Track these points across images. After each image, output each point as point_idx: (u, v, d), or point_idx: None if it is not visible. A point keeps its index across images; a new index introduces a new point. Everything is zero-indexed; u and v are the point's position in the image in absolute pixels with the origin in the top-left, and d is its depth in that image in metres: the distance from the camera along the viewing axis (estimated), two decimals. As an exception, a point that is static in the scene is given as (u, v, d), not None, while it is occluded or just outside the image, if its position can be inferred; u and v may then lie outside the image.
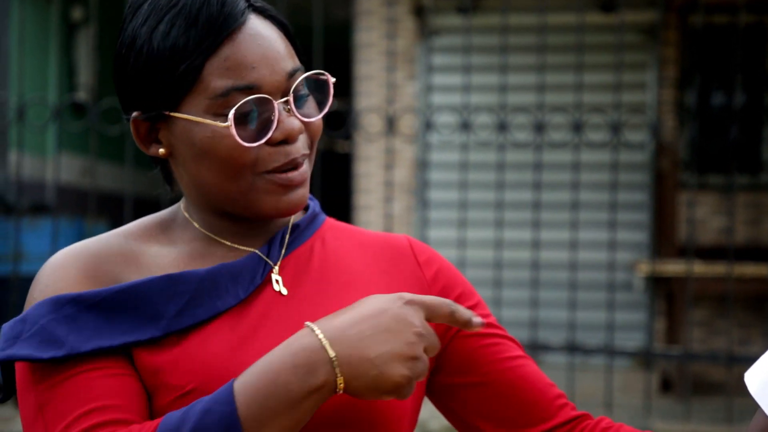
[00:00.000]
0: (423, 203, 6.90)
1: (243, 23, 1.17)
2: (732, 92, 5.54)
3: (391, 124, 5.21)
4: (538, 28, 5.10)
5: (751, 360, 4.91)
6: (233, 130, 1.14)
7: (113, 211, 6.90)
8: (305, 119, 1.20)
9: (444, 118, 6.18)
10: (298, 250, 1.26)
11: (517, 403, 1.27)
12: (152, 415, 1.16)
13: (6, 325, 1.15)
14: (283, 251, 1.25)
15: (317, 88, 1.22)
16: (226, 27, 1.15)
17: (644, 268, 6.37)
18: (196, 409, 1.05)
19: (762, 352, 1.15)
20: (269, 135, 1.16)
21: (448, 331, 1.27)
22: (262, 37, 1.18)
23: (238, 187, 1.18)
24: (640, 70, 6.92)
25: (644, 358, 5.85)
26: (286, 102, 1.17)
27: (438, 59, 6.90)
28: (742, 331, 6.67)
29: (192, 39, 1.15)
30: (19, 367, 1.16)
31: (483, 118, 5.52)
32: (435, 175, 6.95)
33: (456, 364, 1.28)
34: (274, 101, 1.16)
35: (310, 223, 1.30)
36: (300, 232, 1.28)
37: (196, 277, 1.18)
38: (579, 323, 5.82)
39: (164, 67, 1.15)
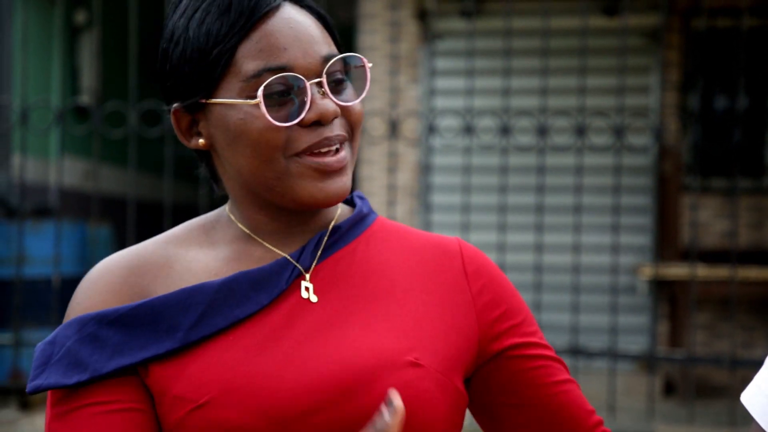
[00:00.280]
0: (426, 207, 6.90)
1: (276, 8, 1.17)
2: (735, 96, 5.54)
3: (394, 128, 5.21)
4: (542, 31, 5.10)
5: (754, 363, 4.91)
6: (263, 108, 1.14)
7: (116, 214, 6.90)
8: (341, 103, 1.18)
9: (447, 122, 6.18)
10: (337, 253, 1.23)
11: (556, 428, 1.25)
12: (167, 430, 1.16)
13: (38, 347, 1.18)
14: (318, 254, 1.23)
15: (355, 75, 1.22)
16: (258, 10, 1.16)
17: (647, 272, 6.36)
18: None
19: (765, 355, 1.14)
20: (302, 116, 1.15)
21: (496, 352, 1.24)
22: (296, 21, 1.18)
23: (273, 172, 1.16)
24: (643, 74, 6.91)
25: (647, 362, 5.85)
26: (320, 84, 1.16)
27: (441, 63, 6.90)
28: (746, 335, 6.66)
29: (225, 24, 1.16)
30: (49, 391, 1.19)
31: (486, 122, 5.52)
32: (438, 179, 6.95)
33: (501, 384, 1.25)
34: (306, 81, 1.15)
35: (355, 225, 1.26)
36: (341, 234, 1.25)
37: (211, 287, 1.17)
38: (582, 326, 5.82)
39: (199, 53, 1.16)
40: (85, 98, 7.28)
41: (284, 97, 1.15)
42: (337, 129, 1.18)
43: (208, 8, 1.17)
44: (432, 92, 6.95)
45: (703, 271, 5.77)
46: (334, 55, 1.18)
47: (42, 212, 6.37)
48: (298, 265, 1.20)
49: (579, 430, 1.26)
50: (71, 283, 6.45)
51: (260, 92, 1.14)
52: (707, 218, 6.90)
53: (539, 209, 5.13)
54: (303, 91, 1.15)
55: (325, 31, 1.21)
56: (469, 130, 5.01)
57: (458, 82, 6.65)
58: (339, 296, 1.20)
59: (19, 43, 5.24)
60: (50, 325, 5.29)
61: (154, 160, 6.95)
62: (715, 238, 6.87)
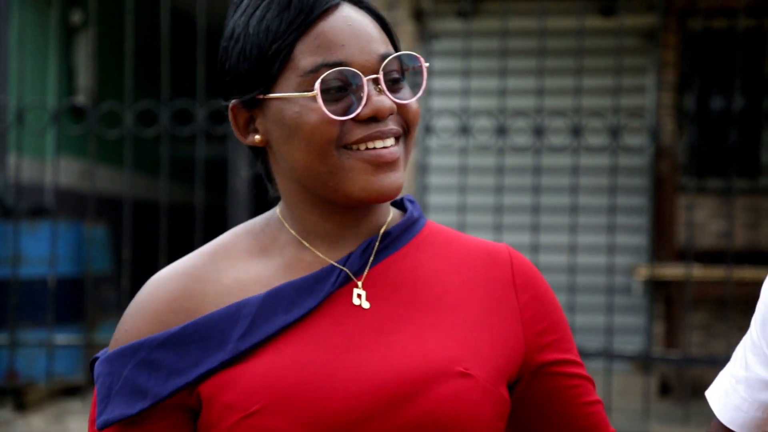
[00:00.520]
0: (422, 207, 6.90)
1: (335, 6, 1.19)
2: (731, 96, 5.54)
3: (390, 128, 5.20)
4: (538, 32, 5.11)
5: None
6: (319, 100, 1.15)
7: (112, 214, 6.89)
8: (397, 100, 1.19)
9: (443, 122, 6.18)
10: (388, 259, 1.24)
11: None
12: None
13: (98, 381, 1.20)
14: (370, 260, 1.23)
15: (412, 74, 1.23)
16: (317, 8, 1.18)
17: (643, 272, 6.37)
18: None
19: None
20: (357, 111, 1.16)
21: (537, 366, 1.25)
22: (354, 20, 1.19)
23: (326, 166, 1.17)
24: (639, 74, 6.92)
25: (643, 362, 5.85)
26: (377, 81, 1.18)
27: (437, 63, 6.91)
28: (741, 335, 6.65)
29: (284, 21, 1.17)
30: None
31: (482, 122, 5.52)
32: (434, 179, 6.96)
33: (535, 397, 1.27)
34: (363, 77, 1.17)
35: (406, 230, 1.27)
36: (391, 240, 1.25)
37: (257, 299, 1.18)
38: (578, 327, 5.82)
39: (258, 49, 1.18)
40: (81, 98, 7.28)
41: (341, 92, 1.17)
42: (390, 125, 1.19)
43: (268, 6, 1.18)
44: (428, 92, 6.95)
45: (699, 272, 5.78)
46: (391, 54, 1.20)
47: (38, 212, 6.37)
48: (344, 269, 1.21)
49: None
50: (67, 284, 6.47)
51: (317, 85, 1.15)
52: (703, 218, 6.90)
53: (535, 210, 5.13)
54: (360, 86, 1.17)
55: (382, 32, 1.22)
56: (465, 130, 5.01)
57: (454, 83, 6.65)
58: (390, 303, 1.21)
59: (16, 44, 5.24)
60: (46, 325, 5.29)
61: (150, 160, 6.95)
62: (711, 239, 6.87)
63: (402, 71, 1.22)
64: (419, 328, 1.19)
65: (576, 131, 4.97)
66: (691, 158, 6.73)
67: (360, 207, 1.22)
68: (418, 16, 6.94)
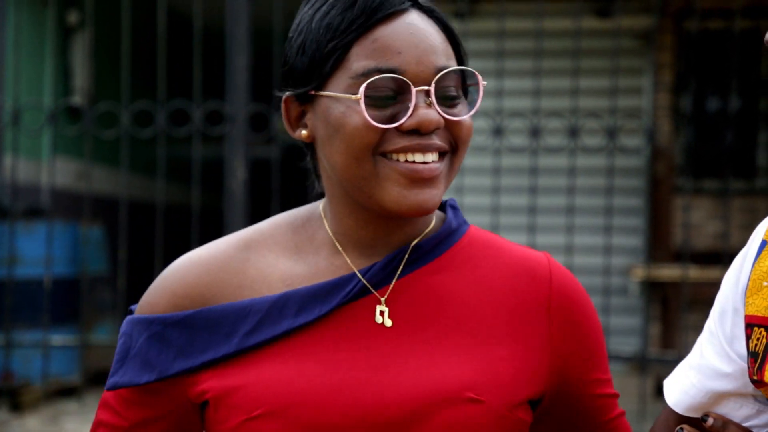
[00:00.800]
0: (419, 208, 6.91)
1: (401, 12, 1.16)
2: (727, 97, 5.55)
3: (386, 129, 5.20)
4: (535, 33, 5.11)
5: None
6: (362, 104, 1.13)
7: (108, 215, 6.89)
8: (447, 116, 1.15)
9: (440, 123, 6.18)
10: (416, 273, 1.21)
11: None
12: None
13: (119, 342, 1.24)
14: (398, 273, 1.20)
15: (470, 90, 1.21)
16: (381, 11, 1.15)
17: (639, 273, 6.37)
18: None
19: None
20: (401, 121, 1.13)
21: (568, 383, 1.24)
22: (417, 28, 1.16)
23: (362, 171, 1.15)
24: (635, 75, 6.92)
25: (639, 363, 5.85)
26: (428, 93, 1.14)
27: (434, 64, 6.91)
28: (738, 336, 6.67)
29: (346, 19, 1.15)
30: None
31: (479, 123, 5.51)
32: (431, 180, 6.96)
33: (560, 414, 1.25)
34: (412, 87, 1.13)
35: (440, 243, 1.23)
36: (422, 253, 1.22)
37: (271, 298, 1.18)
38: (574, 328, 5.82)
39: (316, 44, 1.17)
40: (78, 99, 7.27)
41: (389, 100, 1.14)
42: (435, 139, 1.15)
43: (335, 2, 1.17)
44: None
45: (695, 273, 5.78)
46: (450, 68, 1.16)
47: (34, 213, 6.36)
48: (363, 280, 1.19)
49: None
50: (63, 284, 6.45)
51: (362, 89, 1.13)
52: (699, 220, 6.91)
53: (532, 210, 5.13)
54: (408, 96, 1.14)
55: (447, 44, 1.19)
56: (461, 131, 5.01)
57: (451, 84, 6.65)
58: (411, 322, 1.18)
59: (12, 44, 5.23)
60: (42, 326, 5.28)
61: (147, 160, 6.95)
62: (708, 240, 6.88)
63: (464, 87, 1.19)
64: (436, 350, 1.17)
65: (573, 132, 4.97)
66: (687, 159, 6.74)
67: (393, 218, 1.19)
68: (415, 16, 6.94)
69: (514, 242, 1.29)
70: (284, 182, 4.97)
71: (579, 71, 5.11)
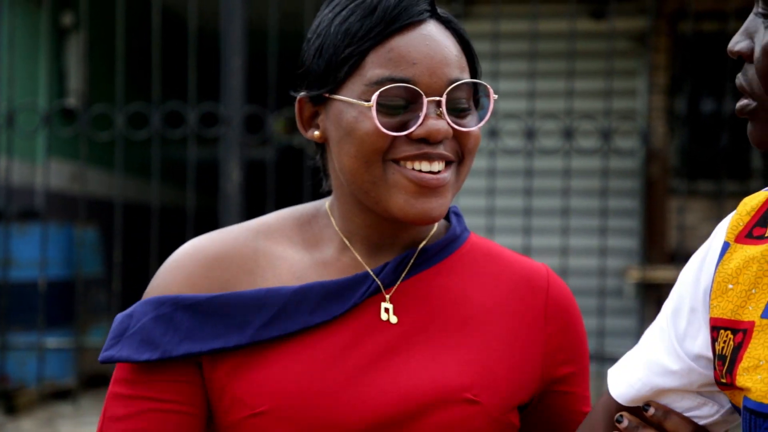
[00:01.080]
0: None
1: (418, 22, 1.18)
2: (722, 99, 5.55)
3: (381, 131, 5.20)
4: (530, 35, 5.11)
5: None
6: (374, 111, 1.15)
7: (103, 217, 6.87)
8: (456, 126, 1.18)
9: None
10: (421, 274, 1.24)
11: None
12: (221, 427, 1.19)
13: (117, 317, 1.21)
14: (404, 275, 1.23)
15: (481, 102, 1.23)
16: (399, 21, 1.17)
17: (635, 275, 6.37)
18: None
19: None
20: (410, 129, 1.16)
21: (553, 389, 1.28)
22: (433, 40, 1.18)
23: (371, 176, 1.17)
24: (630, 77, 6.93)
25: (635, 365, 5.86)
26: (439, 104, 1.17)
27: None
28: (732, 338, 6.68)
29: (364, 27, 1.17)
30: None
31: (474, 125, 5.52)
32: (426, 182, 6.96)
33: (539, 413, 1.29)
34: (424, 97, 1.16)
35: (445, 247, 1.26)
36: (427, 256, 1.25)
37: (287, 291, 1.19)
38: (570, 330, 5.82)
39: (333, 49, 1.18)
40: (72, 100, 7.26)
41: (400, 109, 1.16)
42: (442, 149, 1.18)
43: (355, 8, 1.19)
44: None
45: (690, 274, 5.78)
46: (462, 80, 1.18)
47: (28, 215, 6.35)
48: (377, 279, 1.21)
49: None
50: (58, 287, 6.44)
51: (375, 96, 1.15)
52: (694, 221, 6.92)
53: (527, 212, 5.14)
54: (419, 106, 1.16)
55: (462, 56, 1.21)
56: (457, 133, 5.01)
57: (446, 85, 6.65)
58: (414, 320, 1.21)
59: (6, 46, 5.22)
60: (36, 328, 5.27)
61: (141, 162, 6.94)
62: (702, 241, 6.88)
63: (475, 100, 1.22)
64: (437, 349, 1.20)
65: (567, 134, 4.97)
66: (682, 161, 6.75)
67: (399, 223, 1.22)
68: (410, 18, 6.94)
69: (512, 251, 1.33)
70: (279, 184, 4.96)
71: (574, 73, 5.12)
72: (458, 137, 1.19)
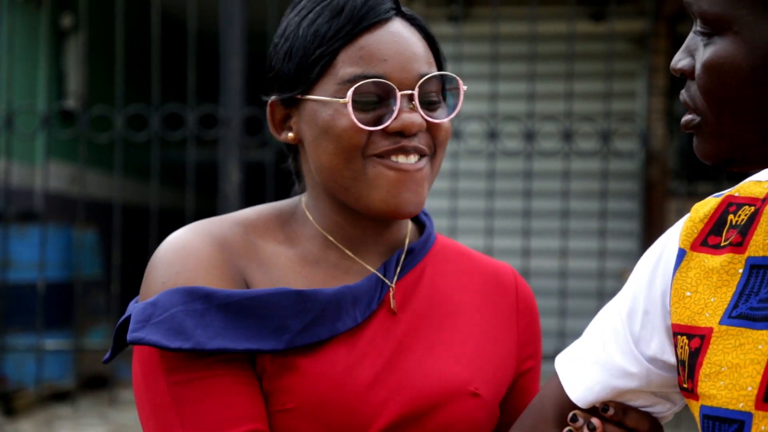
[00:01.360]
0: (413, 211, 6.90)
1: (385, 20, 1.21)
2: (721, 101, 5.55)
3: (381, 132, 5.19)
4: (529, 37, 5.11)
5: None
6: (350, 107, 1.17)
7: (102, 218, 6.87)
8: (429, 119, 1.21)
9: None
10: (410, 274, 1.27)
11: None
12: None
13: (136, 306, 1.17)
14: (398, 273, 1.26)
15: (449, 95, 1.26)
16: (367, 19, 1.20)
17: (634, 277, 6.36)
18: None
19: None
20: (386, 123, 1.18)
21: (520, 379, 1.33)
22: (401, 36, 1.22)
23: (351, 171, 1.19)
24: (629, 79, 6.93)
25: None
26: (411, 97, 1.20)
27: (428, 67, 6.92)
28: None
29: (333, 27, 1.20)
30: (145, 350, 1.17)
31: (473, 127, 5.52)
32: (425, 184, 6.96)
33: (505, 407, 1.32)
34: (397, 91, 1.19)
35: (424, 246, 1.31)
36: (413, 255, 1.29)
37: (324, 296, 1.19)
38: (568, 331, 5.82)
39: (303, 51, 1.21)
40: (71, 102, 7.25)
41: (375, 104, 1.19)
42: (417, 142, 1.21)
43: (322, 10, 1.21)
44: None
45: (689, 276, 5.77)
46: (433, 75, 1.22)
47: (27, 217, 6.34)
48: (387, 282, 1.24)
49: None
50: (56, 288, 6.43)
51: (350, 92, 1.17)
52: (693, 223, 6.91)
53: (526, 214, 5.13)
54: (392, 100, 1.19)
55: (429, 51, 1.25)
56: (456, 135, 5.01)
57: (445, 87, 6.64)
58: (411, 319, 1.25)
59: (5, 47, 5.22)
60: (35, 330, 5.26)
61: (140, 164, 6.93)
62: (702, 243, 6.88)
63: (442, 92, 1.24)
64: (436, 343, 1.24)
65: (567, 136, 4.97)
66: (681, 163, 6.75)
67: (378, 219, 1.24)
68: (409, 20, 6.94)
69: (475, 250, 1.38)
70: (278, 185, 4.96)
71: (573, 75, 5.12)
72: (430, 129, 1.22)
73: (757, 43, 1.00)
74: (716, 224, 1.14)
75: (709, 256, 1.12)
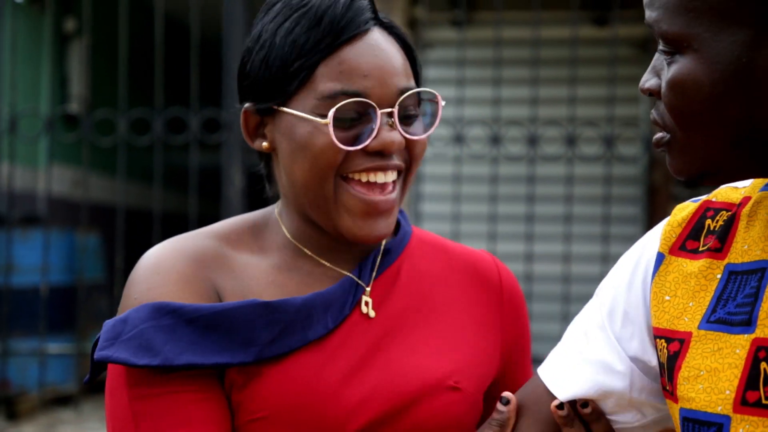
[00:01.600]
0: (416, 216, 6.90)
1: (364, 32, 1.19)
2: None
3: (384, 137, 5.19)
4: (532, 41, 5.11)
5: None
6: (330, 128, 1.16)
7: (105, 222, 6.87)
8: (408, 136, 1.20)
9: (437, 131, 6.16)
10: (387, 271, 1.27)
11: None
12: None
13: (107, 323, 1.17)
14: (374, 274, 1.26)
15: (427, 109, 1.25)
16: (347, 32, 1.17)
17: (637, 282, 6.36)
18: None
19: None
20: (366, 143, 1.17)
21: (505, 371, 1.33)
22: (381, 50, 1.19)
23: (323, 191, 1.18)
24: (633, 84, 6.90)
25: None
26: (390, 115, 1.18)
27: (432, 72, 6.91)
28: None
29: (312, 38, 1.17)
30: (115, 366, 1.18)
31: (476, 131, 5.52)
32: (428, 188, 6.95)
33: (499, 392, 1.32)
34: (377, 110, 1.17)
35: (400, 244, 1.30)
36: (390, 255, 1.29)
37: (293, 306, 1.18)
38: (572, 336, 5.81)
39: (281, 61, 1.18)
40: (75, 106, 7.26)
41: (354, 122, 1.17)
42: (395, 159, 1.20)
43: (299, 19, 1.18)
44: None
45: (692, 281, 5.77)
46: (411, 89, 1.20)
47: (30, 220, 6.35)
48: (362, 284, 1.24)
49: None
50: (59, 292, 6.44)
51: (331, 113, 1.15)
52: (697, 228, 6.90)
53: (529, 219, 5.13)
54: (371, 118, 1.17)
55: (406, 61, 1.23)
56: (459, 139, 5.01)
57: (448, 91, 6.64)
58: (388, 316, 1.24)
59: (8, 51, 5.23)
60: (38, 334, 5.26)
61: (144, 168, 6.93)
62: (705, 248, 6.87)
63: (418, 104, 1.23)
64: (415, 340, 1.22)
65: (570, 140, 4.97)
66: (684, 168, 6.72)
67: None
68: (413, 24, 6.94)
69: (452, 240, 1.37)
70: (281, 190, 4.96)
71: (576, 80, 5.12)
72: (408, 144, 1.21)
73: (716, 59, 1.02)
74: (694, 228, 1.18)
75: (687, 260, 1.14)
